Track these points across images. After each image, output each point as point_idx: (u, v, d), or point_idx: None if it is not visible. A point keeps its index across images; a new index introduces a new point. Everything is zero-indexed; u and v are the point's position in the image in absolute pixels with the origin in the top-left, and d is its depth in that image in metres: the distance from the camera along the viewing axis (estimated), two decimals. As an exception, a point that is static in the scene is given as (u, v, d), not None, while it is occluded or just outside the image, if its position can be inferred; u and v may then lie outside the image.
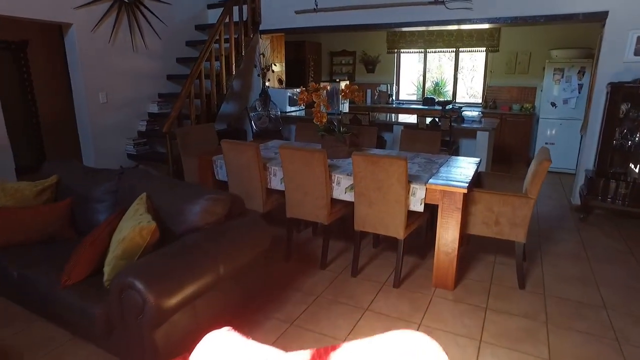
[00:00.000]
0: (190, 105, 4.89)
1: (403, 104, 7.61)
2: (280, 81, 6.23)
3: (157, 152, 5.36)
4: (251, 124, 5.43)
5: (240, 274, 2.28)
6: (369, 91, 7.72)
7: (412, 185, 2.75)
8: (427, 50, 7.33)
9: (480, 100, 7.23)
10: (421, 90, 7.74)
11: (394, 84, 7.75)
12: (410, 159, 3.42)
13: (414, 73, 7.77)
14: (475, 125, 4.76)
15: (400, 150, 3.93)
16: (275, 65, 5.95)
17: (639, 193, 3.97)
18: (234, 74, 5.45)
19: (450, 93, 7.52)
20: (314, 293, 2.82)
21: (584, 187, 4.35)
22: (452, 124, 4.56)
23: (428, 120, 4.69)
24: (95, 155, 4.82)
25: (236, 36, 5.55)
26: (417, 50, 7.40)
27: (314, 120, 3.28)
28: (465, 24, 4.62)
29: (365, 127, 4.55)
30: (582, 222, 4.20)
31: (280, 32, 5.88)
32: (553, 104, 6.05)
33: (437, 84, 7.86)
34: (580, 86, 5.84)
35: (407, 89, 7.98)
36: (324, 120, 3.27)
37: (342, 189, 3.02)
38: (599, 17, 4.13)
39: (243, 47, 5.58)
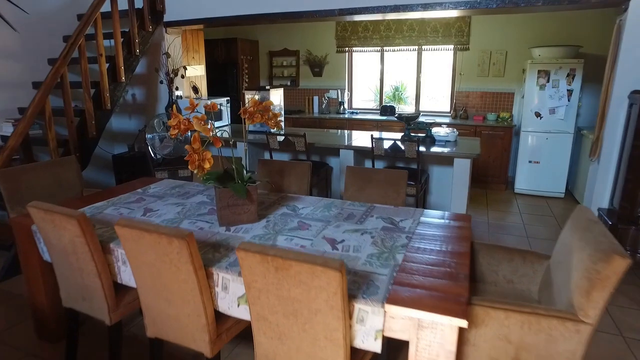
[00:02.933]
0: (48, 129, 3.33)
1: (357, 113, 6.31)
2: (195, 89, 4.74)
3: None
4: (149, 150, 3.92)
5: None
6: (315, 98, 6.37)
7: (357, 306, 1.39)
8: (385, 48, 6.07)
9: (447, 109, 6.05)
10: (379, 96, 6.47)
11: (346, 90, 6.44)
12: (359, 219, 2.07)
13: (370, 76, 6.50)
14: (450, 150, 3.50)
15: (345, 197, 2.57)
16: (187, 68, 4.48)
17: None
18: (126, 82, 3.92)
19: (412, 99, 6.30)
20: None
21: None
22: (420, 148, 3.27)
23: (387, 144, 3.38)
24: None
25: (127, 29, 4.04)
26: (372, 48, 6.12)
27: (189, 167, 1.86)
28: (435, 9, 3.35)
29: (294, 163, 3.18)
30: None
31: (192, 24, 4.41)
32: (538, 114, 4.92)
33: (396, 89, 6.63)
34: (570, 92, 4.74)
35: (362, 95, 6.70)
36: (206, 166, 1.85)
37: (232, 298, 1.62)
38: (616, 1, 2.96)
39: (137, 44, 4.07)
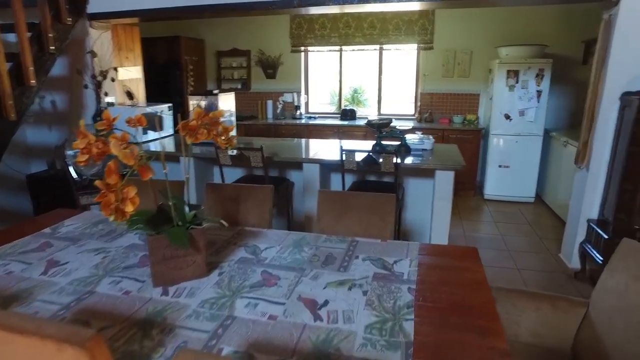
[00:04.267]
0: None
1: (316, 117, 5.84)
2: (129, 95, 4.05)
3: None
4: (69, 169, 3.21)
5: None
6: (269, 102, 5.83)
7: None
8: (344, 47, 5.64)
9: (412, 112, 5.73)
10: (338, 99, 6.05)
11: (303, 92, 5.95)
12: (341, 264, 1.58)
13: (328, 78, 6.06)
14: (427, 159, 3.11)
15: (318, 229, 2.07)
16: (118, 70, 3.79)
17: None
18: (38, 85, 3.19)
19: (374, 102, 5.93)
20: None
21: (594, 250, 2.90)
22: (398, 160, 2.84)
23: (359, 157, 2.92)
24: None
25: (37, 21, 3.31)
26: (330, 48, 5.68)
27: (102, 212, 1.27)
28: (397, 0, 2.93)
29: (252, 188, 2.69)
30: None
31: (123, 17, 3.74)
32: (507, 116, 4.69)
33: (355, 91, 6.23)
34: (539, 93, 4.55)
35: (320, 98, 6.25)
36: (128, 210, 1.28)
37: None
38: (606, -8, 2.69)
39: (52, 39, 3.34)
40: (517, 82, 4.55)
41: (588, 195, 2.99)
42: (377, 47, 5.52)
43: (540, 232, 4.02)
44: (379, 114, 5.85)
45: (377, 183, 3.27)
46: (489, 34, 5.07)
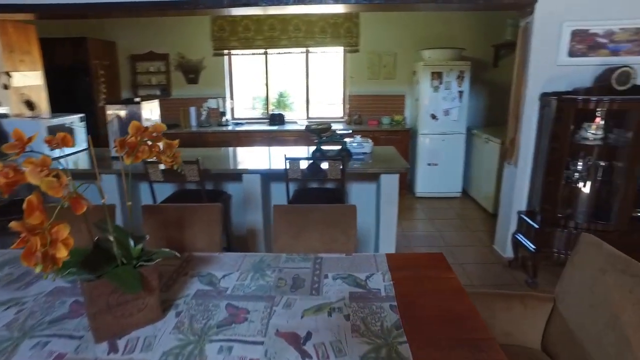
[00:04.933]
0: None
1: (243, 124, 5.61)
2: (29, 104, 3.50)
3: None
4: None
5: None
6: (192, 109, 5.46)
7: None
8: (269, 51, 5.48)
9: (340, 114, 5.75)
10: (265, 104, 5.87)
11: (228, 98, 5.68)
12: (312, 286, 1.46)
13: (254, 82, 5.86)
14: (367, 162, 3.10)
15: (276, 248, 1.91)
16: (11, 75, 3.24)
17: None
18: None
19: (301, 106, 5.85)
20: None
21: (526, 239, 3.10)
22: (343, 166, 2.77)
23: (303, 164, 2.80)
24: None
25: None
26: (255, 51, 5.48)
27: (25, 262, 1.00)
28: (326, 3, 2.88)
29: (197, 207, 2.46)
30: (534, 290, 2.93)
31: (9, 11, 3.19)
32: (433, 116, 4.90)
33: (281, 95, 6.11)
34: (461, 93, 4.81)
35: (247, 103, 6.02)
36: (61, 255, 1.01)
37: None
38: (525, 1, 2.87)
39: None
40: (440, 83, 4.76)
41: (518, 189, 3.19)
42: (304, 50, 5.45)
43: (471, 226, 4.24)
44: (308, 117, 5.78)
45: (321, 190, 3.18)
46: (411, 37, 5.25)
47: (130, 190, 3.25)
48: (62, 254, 1.01)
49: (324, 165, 2.78)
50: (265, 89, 5.76)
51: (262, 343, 1.18)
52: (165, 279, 1.56)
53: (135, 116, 3.06)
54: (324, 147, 3.32)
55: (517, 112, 3.08)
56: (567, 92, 2.89)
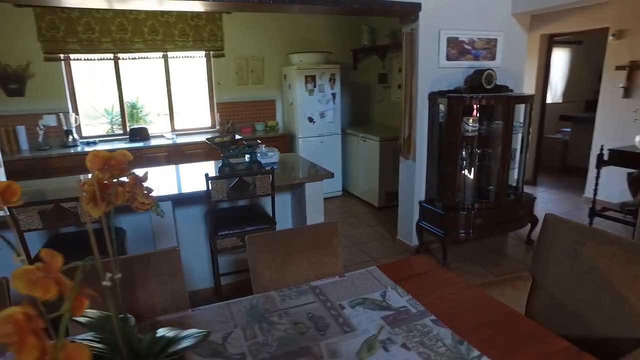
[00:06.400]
0: None
1: (96, 142, 4.69)
2: None
3: None
4: None
5: None
6: (21, 129, 4.29)
7: None
8: (120, 55, 4.69)
9: (209, 124, 5.34)
10: (122, 117, 5.02)
11: (72, 112, 4.65)
12: (337, 321, 1.30)
13: (105, 92, 4.94)
14: (287, 172, 2.95)
15: (260, 285, 1.63)
16: None
17: (495, 216, 3.36)
18: None
19: (161, 118, 5.21)
20: None
21: (431, 225, 3.41)
22: (272, 179, 2.55)
23: (227, 183, 2.47)
24: None
25: None
26: (102, 55, 4.61)
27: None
28: None
29: (145, 258, 2.00)
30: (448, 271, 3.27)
31: None
32: (310, 119, 4.97)
33: (133, 107, 5.33)
34: (334, 95, 5.01)
35: (100, 118, 5.04)
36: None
37: None
38: (411, 10, 3.14)
39: None
40: (314, 86, 4.86)
41: (418, 181, 3.49)
42: (162, 54, 4.85)
43: (365, 221, 4.46)
44: (173, 129, 5.19)
45: (243, 209, 2.88)
46: (278, 41, 5.21)
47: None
48: None
49: (254, 181, 2.51)
50: (119, 100, 4.92)
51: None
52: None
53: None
54: (232, 161, 3.01)
55: (411, 111, 3.36)
56: (450, 91, 3.29)
